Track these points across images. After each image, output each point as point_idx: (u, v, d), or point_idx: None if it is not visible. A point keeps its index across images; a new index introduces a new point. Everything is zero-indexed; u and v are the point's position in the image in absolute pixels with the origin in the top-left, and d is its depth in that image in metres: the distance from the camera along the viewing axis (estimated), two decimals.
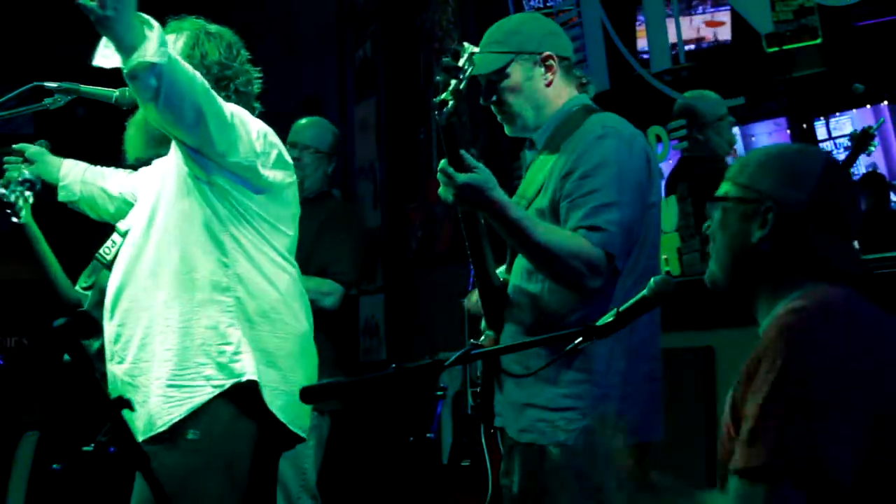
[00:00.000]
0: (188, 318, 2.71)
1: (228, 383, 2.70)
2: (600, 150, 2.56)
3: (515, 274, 2.67)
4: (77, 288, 2.98)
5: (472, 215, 2.59)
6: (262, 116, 2.95)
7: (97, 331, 2.88)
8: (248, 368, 2.71)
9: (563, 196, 2.54)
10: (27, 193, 2.69)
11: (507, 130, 2.78)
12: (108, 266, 2.90)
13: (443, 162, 2.44)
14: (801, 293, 1.81)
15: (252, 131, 2.75)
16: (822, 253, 1.82)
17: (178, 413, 2.68)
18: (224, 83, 2.86)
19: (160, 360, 2.71)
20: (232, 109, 2.71)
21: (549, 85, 2.70)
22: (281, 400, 2.75)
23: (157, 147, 2.88)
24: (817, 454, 1.62)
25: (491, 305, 2.67)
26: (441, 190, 2.47)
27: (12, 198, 2.67)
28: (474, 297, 2.86)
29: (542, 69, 2.69)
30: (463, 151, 2.43)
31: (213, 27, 2.92)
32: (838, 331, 1.71)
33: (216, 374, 2.70)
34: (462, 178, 2.41)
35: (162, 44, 2.46)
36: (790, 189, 1.83)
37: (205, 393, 2.69)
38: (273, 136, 2.83)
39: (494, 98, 2.71)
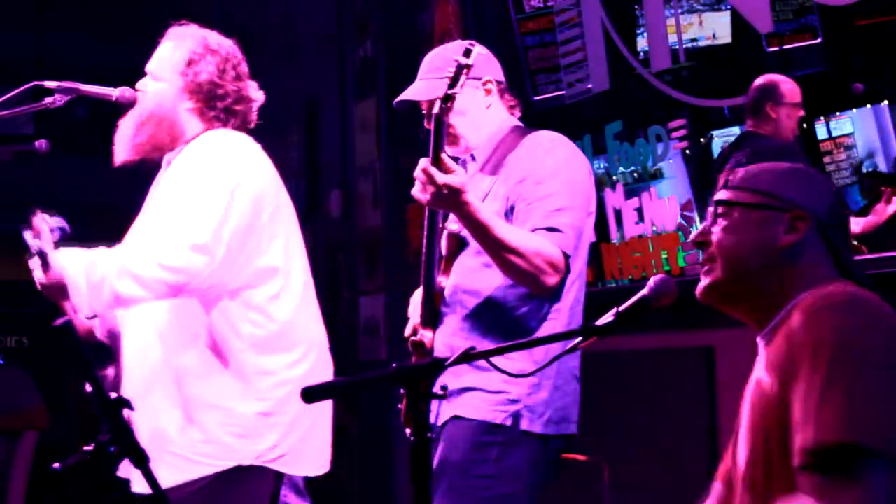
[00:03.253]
0: None
1: None
2: (552, 159, 2.74)
3: (455, 275, 2.79)
4: (82, 318, 2.95)
5: (435, 218, 2.74)
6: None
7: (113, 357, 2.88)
8: None
9: (520, 200, 2.70)
10: (54, 241, 2.67)
11: (447, 150, 2.88)
12: None
13: (424, 161, 2.56)
14: (813, 289, 1.84)
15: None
16: (844, 260, 1.89)
17: None
18: (212, 103, 2.85)
19: None
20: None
21: (488, 107, 2.86)
22: None
23: (147, 152, 2.88)
24: (886, 431, 1.63)
25: (429, 306, 2.80)
26: (416, 189, 2.58)
27: (46, 248, 2.66)
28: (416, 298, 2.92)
29: (483, 93, 2.85)
30: (443, 154, 2.59)
31: (214, 41, 2.89)
32: (868, 312, 1.75)
33: None
34: (442, 178, 2.53)
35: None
36: (816, 200, 1.89)
37: None
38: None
39: None
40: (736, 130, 4.16)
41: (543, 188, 2.69)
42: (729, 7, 4.07)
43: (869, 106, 3.63)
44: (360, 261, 6.36)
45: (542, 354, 2.63)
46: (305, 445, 2.79)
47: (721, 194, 1.94)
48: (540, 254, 2.60)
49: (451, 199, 2.53)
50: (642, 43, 4.42)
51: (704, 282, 1.94)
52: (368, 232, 6.28)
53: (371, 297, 6.22)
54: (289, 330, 2.78)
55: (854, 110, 3.70)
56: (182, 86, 2.85)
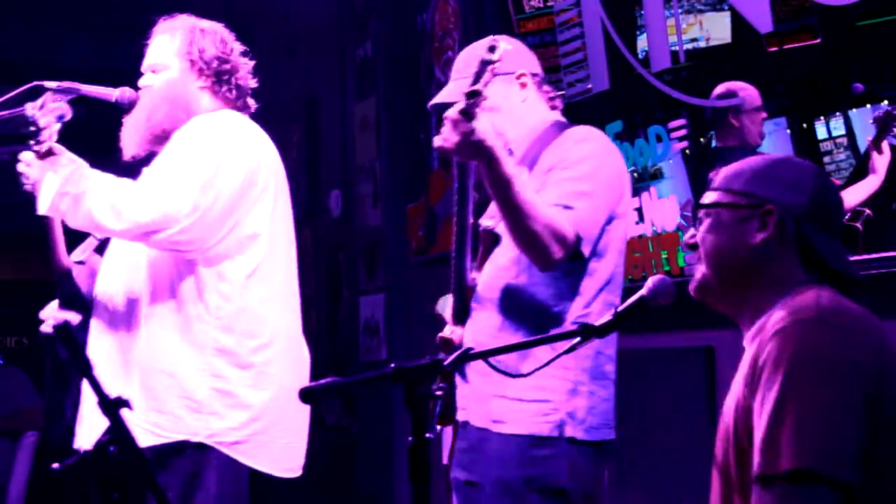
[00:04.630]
0: None
1: None
2: (582, 150, 2.67)
3: (487, 272, 2.74)
4: (72, 259, 2.94)
5: (465, 212, 2.67)
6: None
7: (78, 303, 2.85)
8: None
9: (544, 187, 2.63)
10: (56, 125, 2.67)
11: None
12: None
13: (453, 109, 2.43)
14: (790, 297, 1.85)
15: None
16: (822, 253, 1.88)
17: None
18: (225, 77, 2.87)
19: None
20: None
21: (524, 101, 2.79)
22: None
23: (154, 144, 2.88)
24: (834, 456, 1.66)
25: (460, 302, 2.75)
26: (444, 132, 2.44)
27: (42, 121, 2.65)
28: (446, 302, 2.87)
29: (518, 86, 2.78)
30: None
31: (205, 23, 2.92)
32: (832, 330, 1.75)
33: None
34: (474, 123, 2.42)
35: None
36: (790, 193, 1.89)
37: None
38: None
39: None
40: None
41: (568, 173, 2.62)
42: (728, 7, 4.07)
43: (869, 106, 3.62)
44: (360, 261, 6.36)
45: (571, 360, 2.55)
46: (271, 440, 2.74)
47: (704, 197, 1.98)
48: (550, 225, 2.50)
49: (477, 145, 2.42)
50: (642, 43, 4.42)
51: (694, 280, 1.97)
52: (368, 232, 6.28)
53: (371, 297, 6.22)
54: (259, 313, 2.75)
55: (854, 110, 3.69)
56: (188, 66, 2.86)
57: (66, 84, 2.92)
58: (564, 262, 2.57)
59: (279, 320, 2.81)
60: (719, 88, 3.99)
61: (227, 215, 2.70)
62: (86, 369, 1.88)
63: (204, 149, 2.72)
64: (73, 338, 1.87)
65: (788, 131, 3.96)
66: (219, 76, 2.86)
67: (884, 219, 3.60)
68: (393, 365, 1.82)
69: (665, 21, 4.29)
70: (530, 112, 2.79)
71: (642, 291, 1.97)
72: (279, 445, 2.77)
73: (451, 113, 2.42)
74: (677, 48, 4.27)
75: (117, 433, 1.91)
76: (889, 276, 3.39)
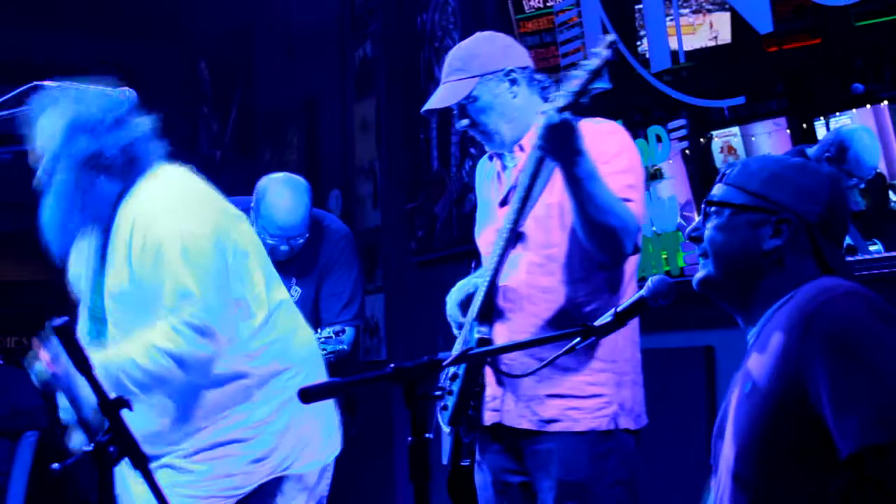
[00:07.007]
0: None
1: None
2: (616, 142, 2.73)
3: (518, 271, 2.71)
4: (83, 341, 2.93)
5: (528, 201, 2.66)
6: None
7: None
8: None
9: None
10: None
11: (487, 147, 2.87)
12: None
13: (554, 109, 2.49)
14: (800, 288, 1.87)
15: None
16: (830, 262, 1.90)
17: None
18: (108, 159, 2.82)
19: None
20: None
21: (515, 98, 2.78)
22: None
23: (79, 239, 2.89)
24: None
25: (489, 302, 2.72)
26: (540, 140, 2.48)
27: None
28: (454, 297, 2.84)
29: (508, 83, 2.78)
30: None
31: (80, 107, 2.83)
32: (870, 299, 1.79)
33: None
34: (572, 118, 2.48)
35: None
36: (808, 203, 1.89)
37: None
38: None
39: (468, 122, 2.79)
40: (735, 130, 4.16)
41: (611, 167, 2.62)
42: (729, 7, 4.07)
43: (869, 106, 3.62)
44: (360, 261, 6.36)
45: (617, 353, 2.66)
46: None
47: (714, 191, 1.97)
48: (624, 218, 2.55)
49: (575, 143, 2.46)
50: (643, 43, 4.42)
51: (699, 275, 1.98)
52: (368, 232, 6.28)
53: (371, 297, 6.21)
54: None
55: (854, 110, 3.69)
56: (75, 163, 2.80)
57: (65, 84, 2.92)
58: (627, 256, 2.62)
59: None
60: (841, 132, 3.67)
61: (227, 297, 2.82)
62: (86, 368, 1.87)
63: (187, 261, 2.76)
64: (74, 337, 1.87)
65: (788, 131, 3.95)
66: (111, 162, 2.82)
67: (883, 219, 3.60)
68: (393, 365, 1.82)
69: (665, 21, 4.29)
70: (524, 107, 2.78)
71: (642, 292, 1.98)
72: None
73: (552, 115, 2.45)
74: (677, 48, 4.27)
75: (117, 433, 1.91)
76: (889, 276, 3.39)
